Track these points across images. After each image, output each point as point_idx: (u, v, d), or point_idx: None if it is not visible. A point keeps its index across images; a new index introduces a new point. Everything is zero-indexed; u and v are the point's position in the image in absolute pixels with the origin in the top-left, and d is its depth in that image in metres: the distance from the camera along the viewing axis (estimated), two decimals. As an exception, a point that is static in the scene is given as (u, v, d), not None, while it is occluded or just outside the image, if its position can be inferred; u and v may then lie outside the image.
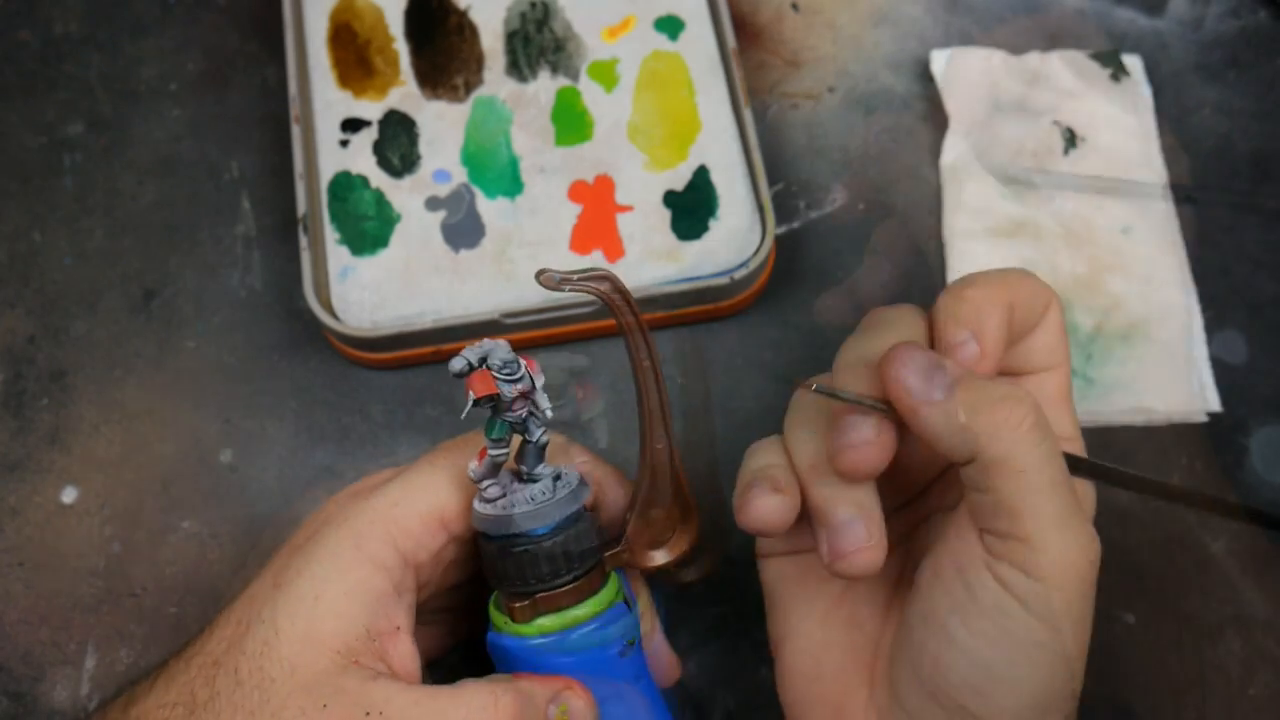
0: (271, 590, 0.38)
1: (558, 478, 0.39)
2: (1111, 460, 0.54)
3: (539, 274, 0.37)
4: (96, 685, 0.50)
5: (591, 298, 0.38)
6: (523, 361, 0.37)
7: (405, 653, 0.38)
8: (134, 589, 0.52)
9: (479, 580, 0.42)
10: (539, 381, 0.38)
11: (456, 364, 0.37)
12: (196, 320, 0.56)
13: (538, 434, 0.38)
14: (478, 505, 0.39)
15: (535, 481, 0.39)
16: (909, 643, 0.38)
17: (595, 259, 0.54)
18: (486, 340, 0.37)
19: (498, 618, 0.40)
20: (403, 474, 0.41)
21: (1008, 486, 0.34)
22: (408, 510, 0.39)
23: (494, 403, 0.37)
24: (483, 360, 0.37)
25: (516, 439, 0.39)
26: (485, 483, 0.39)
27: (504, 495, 0.39)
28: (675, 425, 0.43)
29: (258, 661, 0.37)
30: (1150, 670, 0.51)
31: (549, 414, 0.38)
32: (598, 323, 0.54)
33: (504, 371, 0.37)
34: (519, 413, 0.38)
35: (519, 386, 0.37)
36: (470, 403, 0.37)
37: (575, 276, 0.37)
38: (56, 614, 0.51)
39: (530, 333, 0.54)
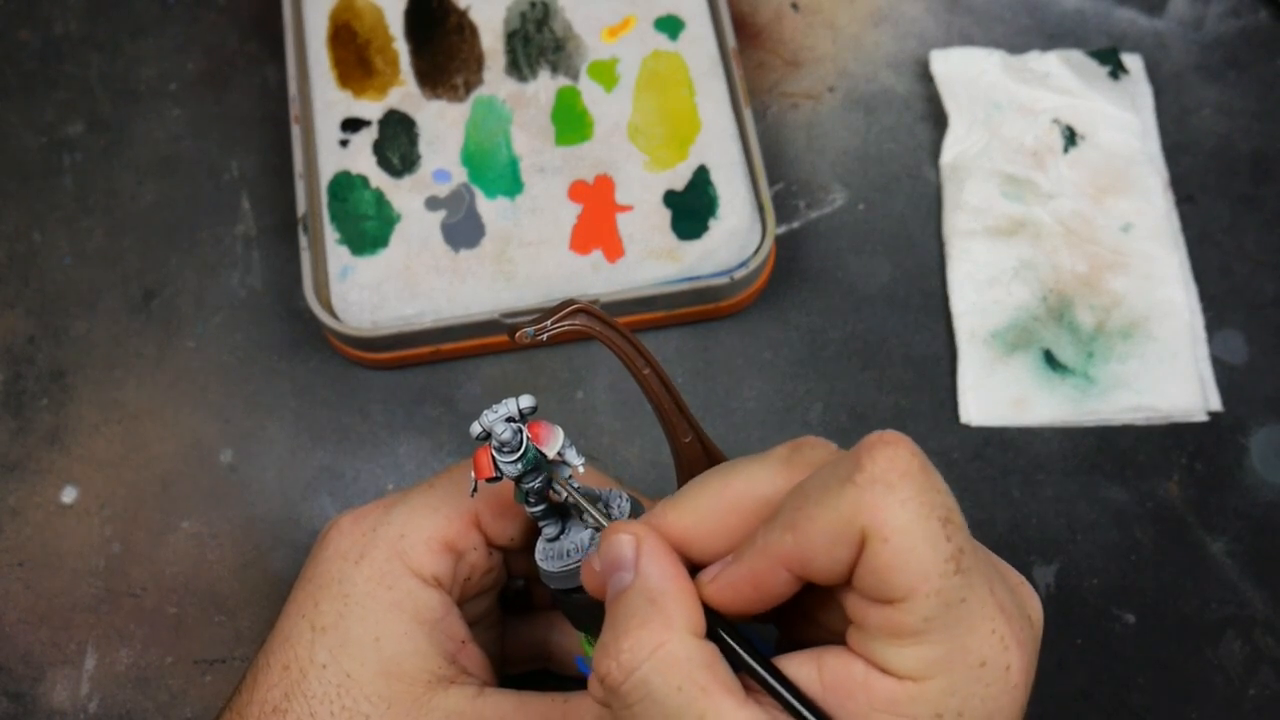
0: (313, 633, 0.39)
1: (607, 511, 0.38)
2: (1112, 460, 0.54)
3: (512, 335, 0.37)
4: (96, 685, 0.50)
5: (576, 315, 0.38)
6: (527, 434, 0.36)
7: (478, 659, 0.40)
8: (134, 589, 0.52)
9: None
10: (553, 449, 0.37)
11: (473, 429, 0.36)
12: (196, 320, 0.56)
13: (564, 494, 0.37)
14: (541, 556, 0.38)
15: (587, 526, 0.38)
16: None
17: (595, 259, 0.54)
18: (505, 402, 0.36)
19: (588, 649, 0.40)
20: (405, 499, 0.41)
21: None
22: (414, 540, 0.40)
23: (502, 478, 0.37)
24: (491, 433, 0.36)
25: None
26: (543, 523, 0.38)
27: (562, 532, 0.38)
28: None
29: (339, 701, 0.38)
30: (1150, 670, 0.51)
31: (581, 469, 0.37)
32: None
33: (503, 452, 0.36)
34: (533, 484, 0.37)
35: (520, 466, 0.36)
36: (473, 484, 0.37)
37: (549, 322, 0.37)
38: (56, 614, 0.51)
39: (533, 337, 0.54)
